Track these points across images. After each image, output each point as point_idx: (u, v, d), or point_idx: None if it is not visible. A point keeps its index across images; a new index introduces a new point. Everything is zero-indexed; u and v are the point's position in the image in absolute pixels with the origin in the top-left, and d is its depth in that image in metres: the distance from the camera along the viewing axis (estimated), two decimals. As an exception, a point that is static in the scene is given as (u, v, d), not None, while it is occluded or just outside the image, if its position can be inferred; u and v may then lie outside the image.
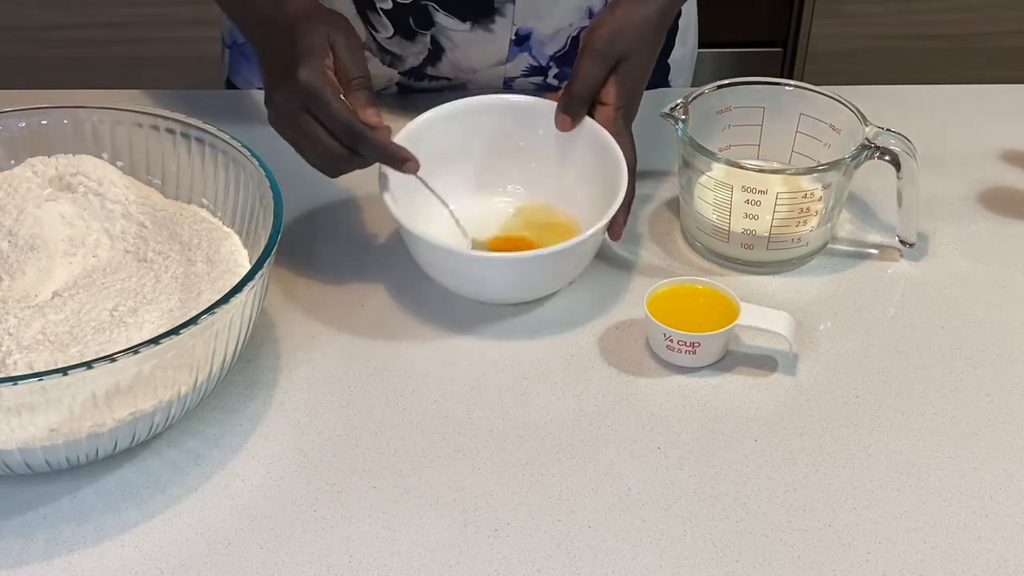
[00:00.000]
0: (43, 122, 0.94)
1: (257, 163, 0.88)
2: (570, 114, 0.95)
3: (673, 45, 1.21)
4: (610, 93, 0.95)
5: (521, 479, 0.80)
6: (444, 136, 0.97)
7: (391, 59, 1.14)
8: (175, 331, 0.73)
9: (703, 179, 0.96)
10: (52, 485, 0.79)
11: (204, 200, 0.93)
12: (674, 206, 1.03)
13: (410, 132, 0.95)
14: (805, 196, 0.94)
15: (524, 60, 1.14)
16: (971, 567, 0.75)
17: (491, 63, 1.14)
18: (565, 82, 0.97)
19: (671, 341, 0.87)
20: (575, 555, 0.75)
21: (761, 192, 0.94)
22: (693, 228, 0.99)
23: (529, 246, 0.95)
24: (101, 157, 0.93)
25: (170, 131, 0.93)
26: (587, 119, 0.96)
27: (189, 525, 0.77)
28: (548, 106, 0.97)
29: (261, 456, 0.82)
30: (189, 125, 0.92)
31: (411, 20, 1.10)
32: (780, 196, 0.93)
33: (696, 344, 0.87)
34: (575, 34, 1.13)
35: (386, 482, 0.80)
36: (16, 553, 0.75)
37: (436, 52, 1.13)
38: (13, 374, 0.74)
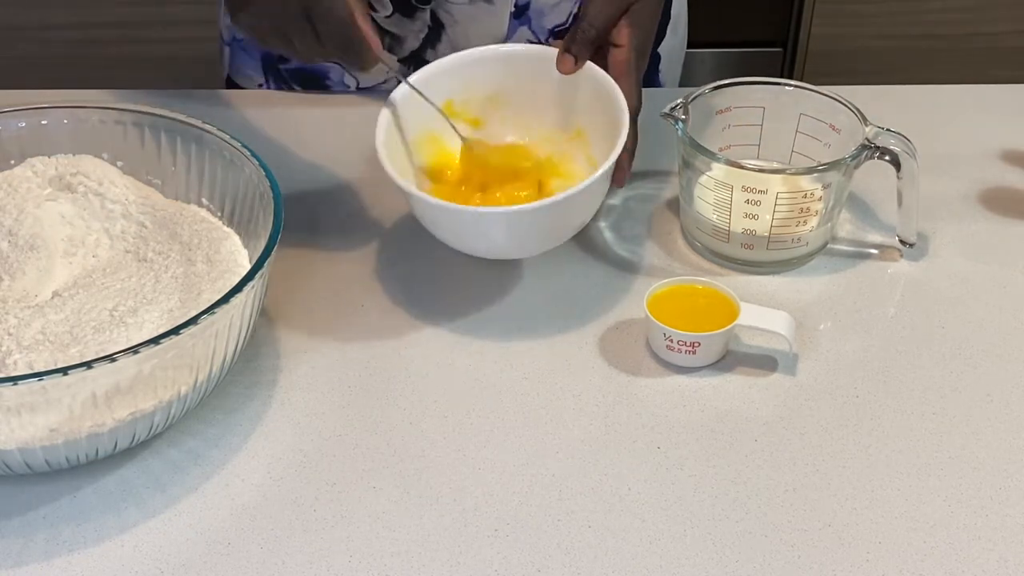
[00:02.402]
0: (43, 122, 0.94)
1: (257, 163, 0.88)
2: (574, 54, 0.92)
3: (664, 35, 1.22)
4: (623, 34, 0.92)
5: (521, 479, 0.80)
6: (440, 92, 0.95)
7: (390, 41, 1.14)
8: (175, 331, 0.73)
9: (703, 179, 0.96)
10: (52, 485, 0.79)
11: (204, 200, 0.93)
12: (674, 206, 1.03)
13: (403, 92, 0.94)
14: (805, 196, 0.94)
15: (523, 36, 1.14)
16: (971, 567, 0.75)
17: (491, 41, 1.14)
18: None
19: (671, 341, 0.87)
20: (575, 555, 0.75)
21: (761, 192, 0.94)
22: (693, 228, 0.99)
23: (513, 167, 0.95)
24: (101, 157, 0.93)
25: (170, 131, 0.93)
26: (589, 64, 0.93)
27: (189, 525, 0.77)
28: (547, 53, 0.94)
29: (261, 456, 0.82)
30: (189, 125, 0.92)
31: None
32: (780, 196, 0.93)
33: (696, 344, 0.87)
34: (575, 9, 1.13)
35: (386, 482, 0.80)
36: (16, 553, 0.75)
37: (436, 30, 1.13)
38: (13, 374, 0.74)
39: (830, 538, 0.76)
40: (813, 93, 0.99)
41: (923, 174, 0.95)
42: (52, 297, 0.84)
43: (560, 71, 0.93)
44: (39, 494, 0.79)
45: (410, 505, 0.78)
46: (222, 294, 0.76)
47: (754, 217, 0.95)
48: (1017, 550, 0.76)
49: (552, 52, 0.95)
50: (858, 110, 0.96)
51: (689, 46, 1.29)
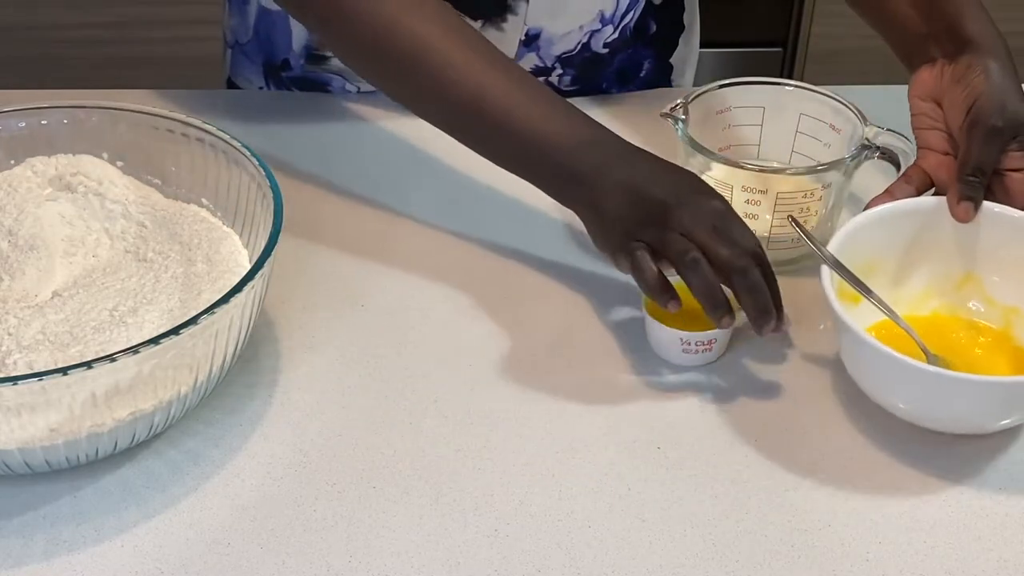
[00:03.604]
0: (43, 122, 0.94)
1: (257, 163, 0.88)
2: (975, 199, 0.87)
3: (677, 45, 1.21)
4: (1015, 159, 0.89)
5: (521, 479, 0.80)
6: (865, 247, 0.88)
7: None
8: (175, 331, 0.73)
9: (703, 179, 0.96)
10: (52, 485, 0.79)
11: (204, 200, 0.93)
12: (674, 206, 1.03)
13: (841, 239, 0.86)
14: (805, 196, 0.94)
15: (530, 61, 1.14)
16: (971, 567, 0.75)
17: None
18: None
19: (672, 341, 0.87)
20: (575, 555, 0.75)
21: (761, 192, 0.94)
22: (693, 228, 0.99)
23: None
24: (101, 157, 0.93)
25: (170, 131, 0.93)
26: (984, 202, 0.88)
27: (189, 525, 0.77)
28: (921, 206, 0.90)
29: (261, 456, 0.82)
30: (189, 125, 0.92)
31: None
32: (780, 196, 0.93)
33: (700, 343, 0.87)
34: (586, 39, 1.13)
35: (386, 482, 0.80)
36: (16, 553, 0.75)
37: None
38: (13, 374, 0.74)
39: (830, 538, 0.76)
40: (813, 93, 0.99)
41: (923, 174, 0.95)
42: (52, 297, 0.84)
43: (959, 219, 0.88)
44: (39, 494, 0.79)
45: (410, 505, 0.78)
46: (222, 294, 0.76)
47: (754, 217, 0.95)
48: (1017, 550, 0.76)
49: (917, 204, 0.90)
50: (858, 110, 0.96)
51: (690, 46, 1.29)
